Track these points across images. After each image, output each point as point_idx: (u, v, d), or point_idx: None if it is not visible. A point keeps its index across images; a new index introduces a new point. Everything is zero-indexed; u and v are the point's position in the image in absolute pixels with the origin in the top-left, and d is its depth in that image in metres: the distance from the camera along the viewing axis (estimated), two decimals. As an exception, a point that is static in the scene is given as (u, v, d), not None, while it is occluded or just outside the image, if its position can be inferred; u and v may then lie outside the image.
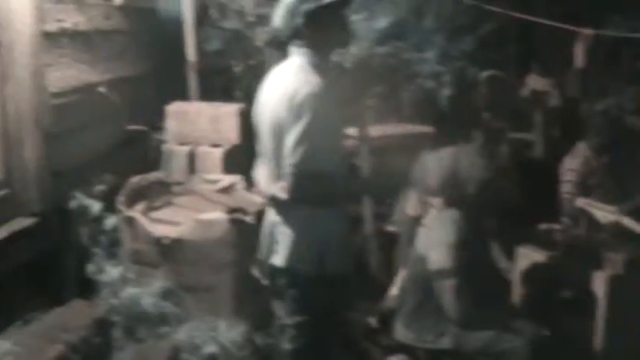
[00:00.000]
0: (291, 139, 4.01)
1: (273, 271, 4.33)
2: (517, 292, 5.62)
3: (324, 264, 4.11)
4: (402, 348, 5.07)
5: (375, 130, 6.69)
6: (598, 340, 5.19)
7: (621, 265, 5.13)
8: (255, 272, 4.96)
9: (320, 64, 4.15)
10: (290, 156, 4.01)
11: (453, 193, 4.85)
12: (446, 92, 6.88)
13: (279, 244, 4.23)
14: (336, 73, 4.45)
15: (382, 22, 5.99)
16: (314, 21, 4.13)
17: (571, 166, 6.16)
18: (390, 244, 6.21)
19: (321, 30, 4.14)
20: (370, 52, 6.02)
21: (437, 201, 4.94)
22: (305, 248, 4.15)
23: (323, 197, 4.11)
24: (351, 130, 6.35)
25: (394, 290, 5.35)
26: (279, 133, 4.09)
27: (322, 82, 4.06)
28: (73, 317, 4.78)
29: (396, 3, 6.08)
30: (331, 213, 4.17)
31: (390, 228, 6.51)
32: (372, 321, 5.71)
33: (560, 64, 7.80)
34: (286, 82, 4.12)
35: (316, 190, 4.04)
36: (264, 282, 4.77)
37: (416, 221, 5.18)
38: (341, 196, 4.20)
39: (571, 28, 6.45)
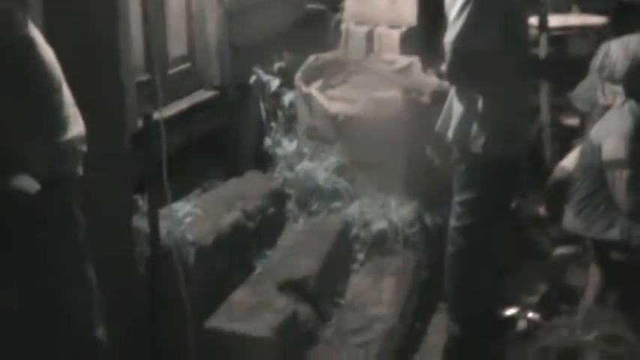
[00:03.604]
0: (451, 15, 4.02)
1: (447, 146, 4.39)
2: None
3: (489, 144, 4.11)
4: (569, 238, 5.04)
5: (555, 20, 6.54)
6: None
7: None
8: (429, 152, 5.02)
9: None
10: (448, 33, 4.02)
11: (636, 81, 4.72)
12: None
13: (452, 120, 4.27)
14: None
15: None
16: None
17: None
18: (565, 136, 6.11)
19: None
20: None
21: (620, 89, 4.83)
22: (471, 125, 4.16)
23: (481, 78, 4.09)
24: (531, 19, 6.23)
25: (566, 162, 5.26)
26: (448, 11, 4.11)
27: None
28: (249, 187, 4.97)
29: None
30: (501, 95, 4.14)
31: (567, 120, 6.40)
32: (541, 210, 5.67)
33: None
34: None
35: (475, 69, 4.03)
36: (438, 161, 4.83)
37: (604, 110, 5.08)
38: (506, 78, 4.14)
39: None
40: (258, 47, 5.72)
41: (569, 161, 5.18)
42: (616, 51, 4.77)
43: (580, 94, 5.64)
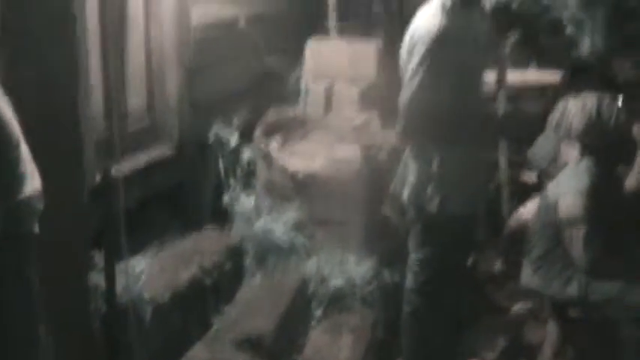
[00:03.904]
0: (405, 76, 4.07)
1: (402, 206, 4.40)
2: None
3: (445, 203, 4.14)
4: (527, 294, 5.06)
5: (513, 76, 6.61)
6: None
7: None
8: (386, 209, 5.03)
9: (454, 6, 4.13)
10: (402, 93, 4.07)
11: (592, 139, 4.77)
12: (589, 40, 6.74)
13: (408, 179, 4.28)
14: (473, 15, 4.42)
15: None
16: None
17: None
18: (523, 193, 6.16)
19: None
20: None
21: (575, 147, 4.88)
22: (427, 184, 4.19)
23: (436, 137, 4.13)
24: (489, 75, 6.30)
25: (522, 211, 5.30)
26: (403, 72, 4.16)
27: (449, 24, 4.08)
28: (207, 243, 4.96)
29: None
30: (457, 153, 4.18)
31: (525, 177, 6.45)
32: (498, 267, 5.70)
33: None
34: (415, 21, 4.18)
35: (429, 129, 4.07)
36: (395, 219, 4.84)
37: (560, 166, 5.12)
38: (461, 137, 4.18)
39: None
40: (218, 103, 5.74)
41: (526, 210, 5.22)
42: (573, 109, 4.81)
43: (537, 151, 5.70)
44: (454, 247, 4.31)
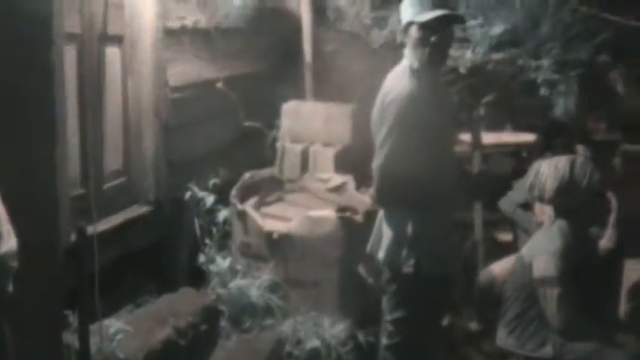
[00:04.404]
0: (377, 141, 4.08)
1: (378, 266, 4.40)
2: (624, 306, 5.54)
3: (420, 264, 4.15)
4: (503, 354, 5.06)
5: (488, 137, 6.67)
6: None
7: None
8: (362, 271, 5.03)
9: (421, 68, 4.16)
10: (375, 158, 4.08)
11: (565, 201, 4.81)
12: (563, 101, 6.81)
13: (383, 240, 4.29)
14: (447, 78, 4.47)
15: (498, 29, 5.98)
16: (407, 33, 4.19)
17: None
18: (498, 252, 6.18)
19: (415, 42, 4.17)
20: (485, 58, 6.01)
21: (549, 208, 4.91)
22: (402, 246, 4.19)
23: (409, 200, 4.15)
24: (464, 136, 6.35)
25: (493, 266, 5.32)
26: (375, 136, 4.17)
27: (419, 87, 4.10)
28: (182, 304, 4.92)
29: (513, 9, 6.04)
30: (431, 215, 4.19)
31: (500, 236, 6.48)
32: (474, 326, 5.70)
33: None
34: (385, 84, 4.20)
35: (402, 193, 4.09)
36: (370, 280, 4.83)
37: (538, 227, 5.16)
38: (434, 200, 4.20)
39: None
40: (195, 163, 5.76)
41: (497, 267, 5.25)
42: (546, 171, 4.84)
43: (507, 198, 5.78)
44: (429, 308, 4.30)
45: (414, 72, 4.16)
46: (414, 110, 4.05)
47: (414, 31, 4.13)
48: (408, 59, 4.21)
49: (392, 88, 4.14)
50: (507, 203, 5.87)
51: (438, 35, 4.11)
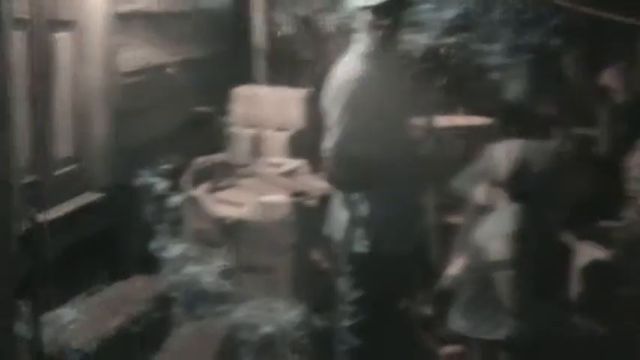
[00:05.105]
0: (328, 123, 4.10)
1: (334, 249, 4.42)
2: (576, 289, 5.58)
3: (375, 245, 4.18)
4: (457, 338, 5.08)
5: (441, 121, 6.68)
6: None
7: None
8: (316, 255, 5.04)
9: (373, 52, 4.19)
10: (326, 140, 4.10)
11: (519, 185, 4.84)
12: (514, 85, 6.83)
13: (339, 222, 4.31)
14: (400, 62, 4.48)
15: (450, 13, 5.99)
16: (358, 17, 4.21)
17: (636, 162, 6.09)
18: (450, 235, 6.20)
19: (366, 26, 4.19)
20: (437, 42, 6.03)
21: (502, 192, 4.94)
22: (357, 228, 4.23)
23: (361, 182, 4.18)
24: (417, 120, 6.35)
25: (452, 270, 5.33)
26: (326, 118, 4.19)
27: (370, 70, 4.13)
28: (134, 291, 4.89)
29: (465, -6, 6.07)
30: (385, 196, 4.22)
31: (453, 219, 6.50)
32: (428, 310, 5.71)
33: (627, 60, 7.68)
34: (337, 68, 4.22)
35: (352, 174, 4.12)
36: (324, 265, 4.84)
37: (482, 210, 5.17)
38: (390, 181, 4.23)
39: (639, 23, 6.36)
40: (146, 149, 5.71)
41: (454, 268, 5.27)
42: (500, 155, 4.87)
43: (460, 179, 5.79)
44: (387, 288, 4.34)
45: (366, 56, 4.19)
46: (364, 93, 4.10)
47: (365, 16, 4.16)
48: (360, 44, 4.23)
49: (344, 71, 4.19)
50: (461, 182, 5.87)
51: (389, 19, 4.13)
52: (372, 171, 4.16)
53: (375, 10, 4.13)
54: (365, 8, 4.16)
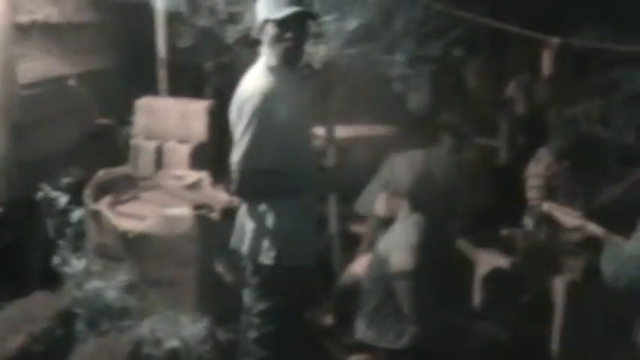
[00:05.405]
0: (235, 136, 4.12)
1: (239, 261, 4.42)
2: (477, 296, 5.67)
3: (281, 256, 4.21)
4: (363, 347, 5.11)
5: (343, 131, 6.72)
6: (555, 343, 5.26)
7: (579, 270, 5.21)
8: (220, 268, 5.02)
9: (278, 65, 4.21)
10: (233, 153, 4.12)
11: (421, 195, 4.88)
12: (416, 95, 6.92)
13: (246, 234, 4.32)
14: (301, 73, 4.50)
15: (352, 24, 6.01)
16: (263, 30, 4.23)
17: (535, 171, 6.22)
18: (353, 245, 6.25)
19: (271, 40, 4.21)
20: (339, 53, 6.04)
21: (404, 203, 4.98)
22: (263, 239, 4.25)
23: (268, 194, 4.21)
24: (319, 130, 6.38)
25: (354, 267, 5.38)
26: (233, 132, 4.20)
27: (275, 83, 4.15)
28: (36, 308, 4.80)
29: (366, 5, 6.08)
30: (290, 208, 4.25)
31: (355, 228, 6.54)
32: (330, 319, 5.74)
33: (528, 72, 7.85)
34: (243, 81, 4.23)
35: (258, 186, 4.14)
36: (229, 277, 4.83)
37: (384, 222, 5.22)
38: (292, 192, 4.27)
39: (539, 36, 6.50)
40: (46, 162, 5.63)
41: (358, 266, 5.30)
42: (401, 166, 4.91)
43: (363, 200, 5.83)
44: (292, 299, 4.36)
45: (271, 69, 4.21)
46: (269, 106, 4.11)
47: (270, 29, 4.18)
48: (265, 56, 4.25)
49: (249, 84, 4.19)
50: (362, 204, 5.94)
51: (293, 32, 4.16)
52: (276, 183, 4.18)
53: (280, 23, 4.15)
54: (269, 21, 4.17)
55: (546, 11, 7.53)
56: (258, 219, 4.30)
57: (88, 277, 5.33)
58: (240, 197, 4.40)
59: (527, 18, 6.51)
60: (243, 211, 4.43)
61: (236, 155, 4.12)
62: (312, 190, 4.50)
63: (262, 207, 4.28)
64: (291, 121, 4.23)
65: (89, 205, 5.50)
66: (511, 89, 7.94)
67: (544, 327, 5.32)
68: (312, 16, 4.40)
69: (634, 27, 6.57)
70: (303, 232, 4.36)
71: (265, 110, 4.10)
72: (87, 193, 5.58)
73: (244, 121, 4.11)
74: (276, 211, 4.26)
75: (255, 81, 4.20)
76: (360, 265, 5.38)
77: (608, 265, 4.52)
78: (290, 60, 4.25)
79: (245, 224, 4.38)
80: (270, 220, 4.27)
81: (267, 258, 4.27)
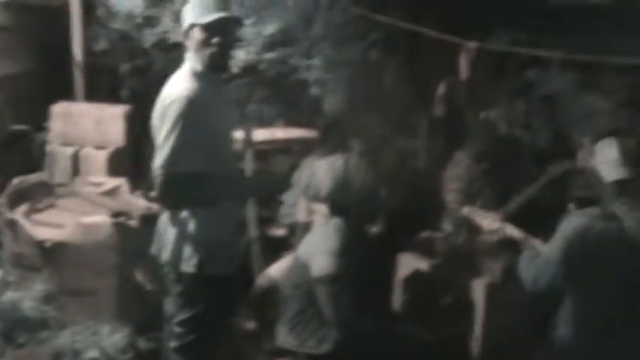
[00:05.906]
0: (159, 138, 4.09)
1: (162, 267, 4.38)
2: (398, 299, 5.70)
3: (203, 264, 4.18)
4: (284, 353, 5.10)
5: (261, 134, 6.71)
6: (475, 345, 5.31)
7: (499, 272, 5.27)
8: (139, 276, 4.97)
9: (204, 70, 4.19)
10: (156, 158, 4.09)
11: (341, 200, 4.88)
12: (333, 98, 6.92)
13: (167, 241, 4.28)
14: (222, 77, 4.48)
15: (271, 28, 6.02)
16: (189, 35, 4.21)
17: (453, 174, 6.27)
18: (273, 248, 6.23)
19: (197, 45, 4.20)
20: (258, 57, 6.05)
21: (323, 207, 4.98)
22: (185, 246, 4.22)
23: (192, 199, 4.18)
24: (236, 134, 6.34)
25: (271, 270, 5.37)
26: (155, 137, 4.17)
27: (199, 88, 4.13)
28: (-51, 322, 4.72)
29: (285, 10, 6.09)
30: (213, 214, 4.23)
31: (274, 232, 6.53)
32: (252, 324, 5.72)
33: (446, 75, 7.91)
34: (167, 86, 4.21)
35: (182, 192, 4.11)
36: (149, 285, 4.78)
37: (304, 227, 5.21)
38: (217, 198, 4.25)
39: (456, 40, 6.57)
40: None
41: (275, 269, 5.29)
42: (320, 170, 4.91)
43: (285, 209, 5.81)
44: (215, 307, 4.33)
45: (197, 74, 4.18)
46: (193, 111, 4.08)
47: (196, 33, 4.16)
48: (190, 61, 4.22)
49: (173, 89, 4.17)
50: (286, 218, 5.93)
51: (219, 37, 4.15)
52: (199, 189, 4.15)
53: (206, 27, 4.13)
54: (196, 26, 4.15)
55: (463, 15, 7.61)
56: (180, 226, 4.25)
57: (5, 288, 5.25)
58: (163, 203, 4.35)
59: (445, 22, 6.58)
60: (164, 217, 4.39)
61: (159, 160, 4.08)
62: (235, 195, 4.49)
63: (184, 214, 4.24)
64: (214, 126, 4.22)
65: (4, 213, 5.42)
66: (441, 90, 8.00)
67: (465, 328, 5.37)
68: (237, 22, 4.40)
69: (548, 30, 6.68)
70: (225, 239, 4.34)
71: (189, 115, 4.07)
72: (2, 201, 5.49)
73: (167, 125, 4.07)
74: (198, 217, 4.23)
75: (179, 85, 4.17)
76: (276, 268, 5.37)
77: (526, 270, 4.57)
78: (216, 65, 4.24)
79: (166, 231, 4.33)
80: (192, 227, 4.23)
81: (188, 266, 4.23)
